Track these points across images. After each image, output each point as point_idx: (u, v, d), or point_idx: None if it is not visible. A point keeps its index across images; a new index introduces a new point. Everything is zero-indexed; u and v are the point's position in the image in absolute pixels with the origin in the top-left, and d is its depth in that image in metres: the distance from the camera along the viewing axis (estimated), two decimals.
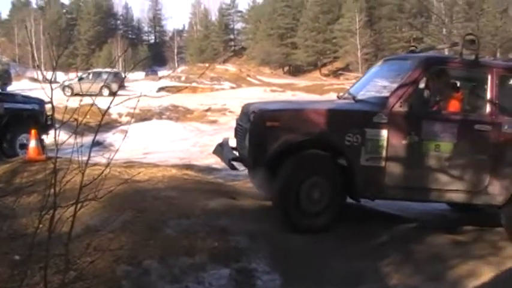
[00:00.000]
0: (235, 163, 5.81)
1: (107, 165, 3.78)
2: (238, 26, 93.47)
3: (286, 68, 78.06)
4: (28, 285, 3.84)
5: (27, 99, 10.66)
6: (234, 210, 5.62)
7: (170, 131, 19.23)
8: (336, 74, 70.53)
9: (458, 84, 6.42)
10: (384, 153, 5.53)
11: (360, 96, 6.21)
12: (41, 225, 3.46)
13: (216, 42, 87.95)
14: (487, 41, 33.41)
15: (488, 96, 5.90)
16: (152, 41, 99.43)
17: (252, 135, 5.56)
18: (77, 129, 3.34)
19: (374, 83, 6.51)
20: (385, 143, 5.52)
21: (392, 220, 6.18)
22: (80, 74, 39.97)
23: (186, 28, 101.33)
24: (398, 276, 4.90)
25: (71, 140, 3.32)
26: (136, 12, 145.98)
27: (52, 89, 3.25)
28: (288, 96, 36.55)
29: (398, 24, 70.68)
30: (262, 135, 5.46)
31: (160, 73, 63.39)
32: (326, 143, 5.51)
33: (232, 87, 44.00)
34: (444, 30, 30.70)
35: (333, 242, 5.31)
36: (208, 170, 10.12)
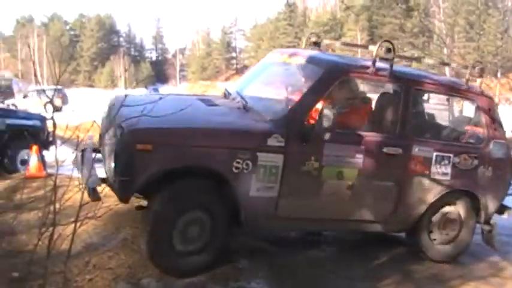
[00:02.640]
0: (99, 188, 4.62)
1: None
2: (241, 44, 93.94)
3: None
4: None
5: (29, 115, 10.68)
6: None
7: None
8: None
9: (367, 99, 5.65)
10: (278, 183, 4.64)
11: (251, 102, 5.10)
12: (40, 243, 3.44)
13: (218, 60, 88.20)
14: (488, 61, 33.34)
15: (400, 113, 5.21)
16: (154, 58, 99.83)
17: (118, 159, 4.37)
18: (78, 146, 3.35)
19: (270, 84, 5.66)
20: (280, 171, 4.63)
21: (390, 241, 6.11)
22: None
23: (189, 46, 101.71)
24: None
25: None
26: (138, 30, 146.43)
27: (54, 106, 3.25)
28: None
29: (400, 44, 70.71)
30: (131, 161, 4.26)
31: (161, 90, 63.79)
32: (209, 170, 4.48)
33: None
34: (445, 50, 30.79)
35: (332, 263, 5.28)
36: None
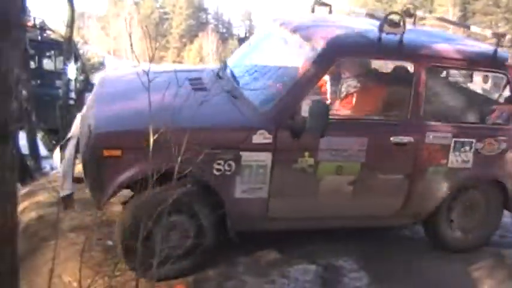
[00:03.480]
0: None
1: None
2: None
3: None
4: (120, 270, 3.97)
5: None
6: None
7: None
8: None
9: (372, 82, 4.99)
10: (267, 183, 4.14)
11: (243, 85, 4.51)
12: None
13: None
14: None
15: (412, 96, 4.51)
16: (242, 35, 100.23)
17: (86, 165, 4.00)
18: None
19: (266, 64, 4.70)
20: (268, 170, 4.11)
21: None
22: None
23: None
24: None
25: None
26: (226, 7, 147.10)
27: (149, 82, 3.24)
28: None
29: (494, 20, 67.84)
30: (98, 170, 3.86)
31: None
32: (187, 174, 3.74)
33: None
34: None
35: (418, 246, 5.15)
36: None
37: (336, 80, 4.73)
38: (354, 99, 4.75)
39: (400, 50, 4.46)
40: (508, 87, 4.93)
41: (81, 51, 23.00)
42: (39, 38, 14.74)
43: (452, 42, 5.02)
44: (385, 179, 4.51)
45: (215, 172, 3.99)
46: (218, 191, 4.03)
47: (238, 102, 4.31)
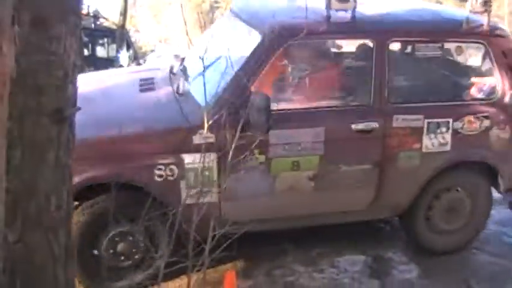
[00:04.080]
0: None
1: None
2: None
3: None
4: None
5: None
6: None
7: None
8: None
9: (325, 66, 4.49)
10: (215, 186, 3.77)
11: (190, 82, 4.19)
12: None
13: None
14: None
15: (374, 77, 4.06)
16: None
17: None
18: None
19: (215, 57, 4.04)
20: (215, 172, 3.75)
21: None
22: None
23: None
24: None
25: None
26: None
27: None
28: None
29: None
30: None
31: None
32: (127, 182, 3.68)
33: None
34: None
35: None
36: None
37: (287, 67, 4.20)
38: (307, 86, 4.24)
39: (352, 27, 4.09)
40: (487, 58, 4.40)
41: (133, 39, 23.34)
42: (93, 25, 15.00)
43: (415, 12, 4.55)
44: (351, 171, 4.10)
45: (157, 178, 3.73)
46: (163, 198, 3.74)
47: (183, 101, 3.87)
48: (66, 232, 2.32)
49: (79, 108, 2.34)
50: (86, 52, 13.68)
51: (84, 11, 14.44)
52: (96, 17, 15.26)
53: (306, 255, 4.55)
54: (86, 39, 12.86)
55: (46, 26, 2.11)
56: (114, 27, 13.63)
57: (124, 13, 12.32)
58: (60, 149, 2.25)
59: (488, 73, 4.46)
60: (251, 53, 3.92)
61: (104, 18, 15.77)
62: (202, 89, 3.39)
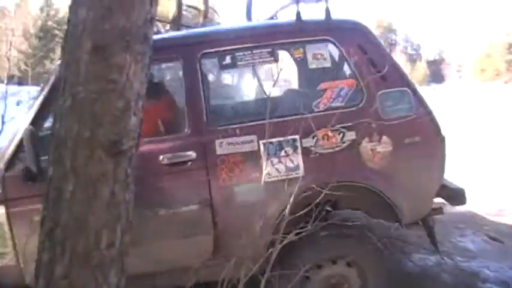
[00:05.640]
0: None
1: None
2: None
3: None
4: None
5: None
6: None
7: None
8: None
9: (150, 96, 3.37)
10: (10, 246, 3.15)
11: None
12: None
13: (499, 62, 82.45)
14: None
15: (186, 99, 3.38)
16: (432, 58, 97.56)
17: None
18: None
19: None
20: (7, 229, 3.14)
21: None
22: None
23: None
24: None
25: None
26: (416, 28, 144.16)
27: None
28: None
29: None
30: None
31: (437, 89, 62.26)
32: None
33: None
34: None
35: None
36: None
37: None
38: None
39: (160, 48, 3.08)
40: (339, 57, 3.58)
41: None
42: None
43: (237, 25, 3.89)
44: (171, 215, 3.27)
45: None
46: None
47: None
48: (117, 272, 2.18)
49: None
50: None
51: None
52: None
53: None
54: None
55: (106, 54, 2.01)
56: None
57: None
58: (116, 184, 2.11)
59: (343, 75, 3.64)
60: (39, 92, 3.40)
61: None
62: None
